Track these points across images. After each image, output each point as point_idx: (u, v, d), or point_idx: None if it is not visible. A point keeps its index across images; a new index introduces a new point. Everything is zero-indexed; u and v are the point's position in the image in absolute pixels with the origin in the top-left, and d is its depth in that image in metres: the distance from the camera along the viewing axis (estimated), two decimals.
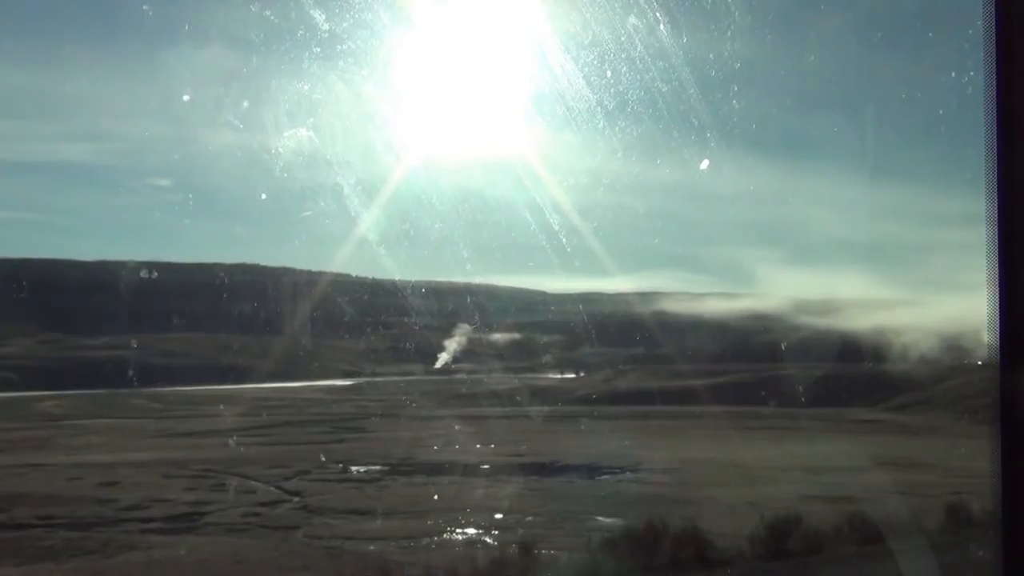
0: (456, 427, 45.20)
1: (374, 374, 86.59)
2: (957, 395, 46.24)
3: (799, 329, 58.13)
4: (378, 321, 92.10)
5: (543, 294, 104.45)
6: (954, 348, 47.05)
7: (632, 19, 16.92)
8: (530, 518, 24.52)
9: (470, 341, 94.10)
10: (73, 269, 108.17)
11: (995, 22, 1.93)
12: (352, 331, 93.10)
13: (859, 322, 55.81)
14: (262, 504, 27.02)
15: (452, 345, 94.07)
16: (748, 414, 47.65)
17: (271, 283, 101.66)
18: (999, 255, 1.94)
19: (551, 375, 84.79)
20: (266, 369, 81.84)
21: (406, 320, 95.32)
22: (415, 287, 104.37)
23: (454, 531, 23.26)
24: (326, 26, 25.72)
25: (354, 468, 33.65)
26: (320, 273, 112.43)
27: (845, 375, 50.20)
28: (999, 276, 1.95)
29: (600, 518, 24.32)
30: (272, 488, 29.41)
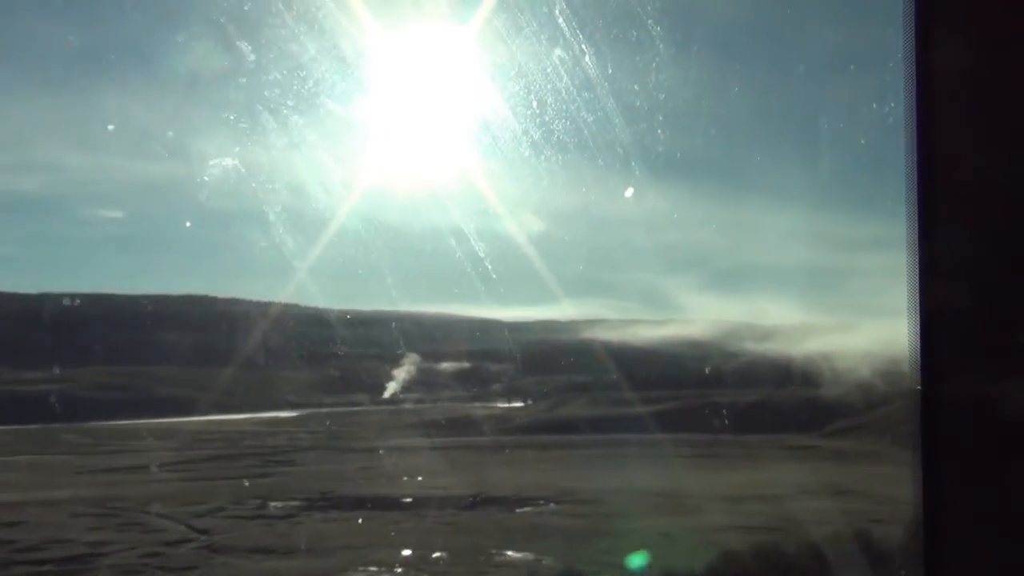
0: (389, 459, 44.49)
1: (320, 405, 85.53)
2: (892, 420, 45.91)
3: (735, 355, 57.86)
4: (327, 351, 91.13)
5: (486, 322, 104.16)
6: (891, 373, 46.88)
7: (558, 51, 16.89)
8: (437, 554, 23.90)
9: (419, 370, 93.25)
10: (13, 302, 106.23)
11: (915, 55, 1.95)
12: (300, 362, 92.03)
13: (792, 348, 55.57)
14: (166, 543, 26.23)
15: (401, 374, 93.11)
16: (684, 442, 47.17)
17: (219, 314, 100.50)
18: (919, 283, 1.96)
19: (499, 404, 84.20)
20: (208, 401, 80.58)
21: (355, 350, 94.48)
22: (365, 317, 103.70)
23: (354, 570, 22.59)
24: (252, 56, 25.73)
25: (272, 504, 32.82)
26: (268, 304, 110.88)
27: (781, 401, 49.88)
28: (919, 304, 1.97)
29: (509, 553, 23.76)
30: (181, 526, 28.58)
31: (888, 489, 30.58)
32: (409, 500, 32.61)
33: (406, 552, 23.97)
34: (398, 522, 28.43)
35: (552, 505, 31.79)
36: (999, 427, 1.92)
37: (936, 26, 1.93)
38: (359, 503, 31.83)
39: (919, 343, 1.98)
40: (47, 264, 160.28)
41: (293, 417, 76.29)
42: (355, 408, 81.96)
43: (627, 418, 56.18)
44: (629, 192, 43.76)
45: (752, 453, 42.09)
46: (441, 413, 70.42)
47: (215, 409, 78.54)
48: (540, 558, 19.52)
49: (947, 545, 1.99)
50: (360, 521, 28.70)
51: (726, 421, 50.43)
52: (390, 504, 31.48)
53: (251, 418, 71.31)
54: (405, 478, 37.83)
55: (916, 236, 1.96)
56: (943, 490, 1.98)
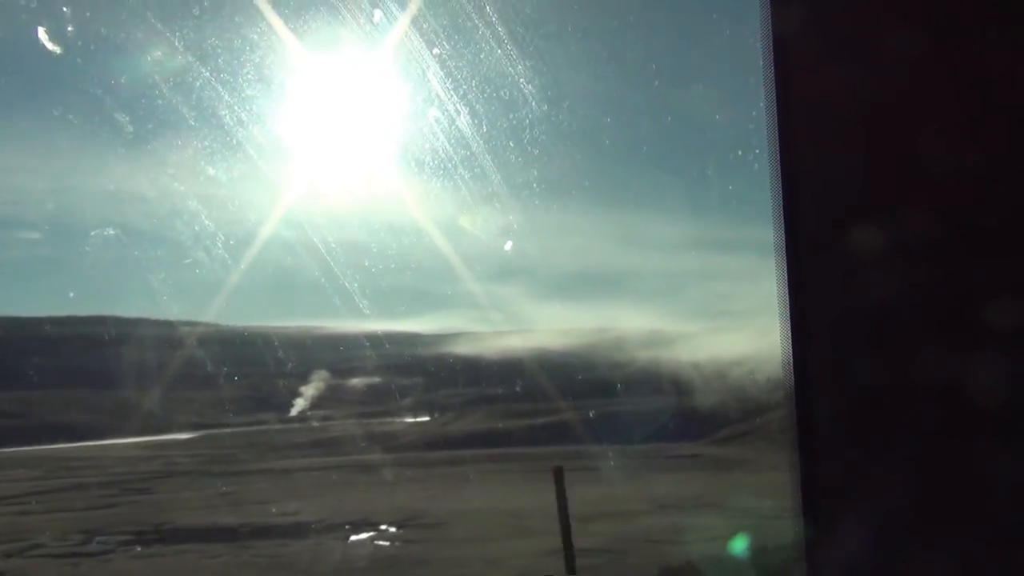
0: (256, 483, 42.52)
1: (223, 425, 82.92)
2: (779, 426, 44.79)
3: (623, 364, 56.64)
4: (236, 370, 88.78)
5: (392, 335, 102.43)
6: (778, 378, 45.77)
7: (433, 111, 16.91)
8: None
9: (329, 387, 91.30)
10: None
11: (775, 103, 1.97)
12: (208, 381, 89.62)
13: (676, 355, 54.52)
14: None
15: (309, 391, 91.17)
16: (569, 454, 45.52)
17: (125, 335, 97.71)
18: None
19: (406, 419, 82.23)
20: (103, 426, 77.85)
21: (265, 368, 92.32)
22: (276, 334, 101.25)
23: None
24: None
25: (97, 538, 30.58)
26: (177, 323, 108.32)
27: (672, 410, 48.59)
28: (788, 306, 2.00)
29: None
30: None
31: (754, 499, 29.20)
32: (245, 530, 30.59)
33: None
34: (216, 556, 26.44)
35: (393, 530, 29.92)
36: (872, 427, 1.94)
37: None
38: (188, 535, 29.79)
39: (791, 345, 2.01)
40: None
41: (187, 439, 73.56)
42: (259, 427, 79.77)
43: (519, 431, 54.77)
44: (508, 246, 44.58)
45: (632, 464, 40.66)
46: (341, 430, 68.41)
47: (109, 434, 75.85)
48: None
49: (825, 549, 1.98)
50: (175, 556, 26.70)
51: (620, 431, 49.02)
52: (220, 535, 29.43)
53: (140, 442, 68.60)
54: (257, 504, 35.84)
55: (783, 239, 1.97)
56: (818, 494, 1.98)
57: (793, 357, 2.00)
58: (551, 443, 48.34)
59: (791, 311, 1.99)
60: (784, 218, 1.97)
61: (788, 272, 1.98)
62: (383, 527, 30.53)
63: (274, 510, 34.33)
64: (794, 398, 2.02)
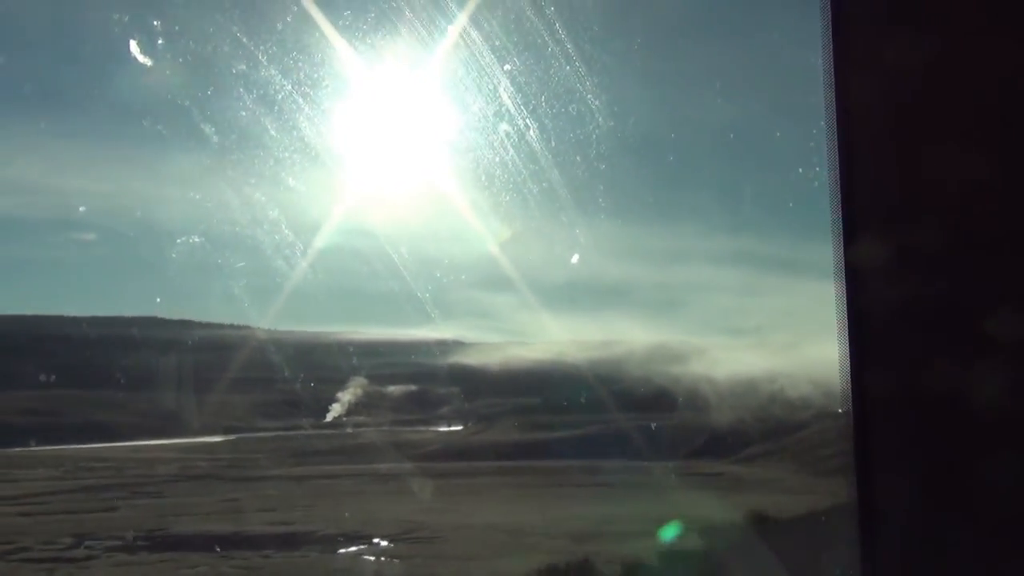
0: (266, 489, 41.84)
1: (256, 429, 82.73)
2: (808, 445, 43.11)
3: (649, 378, 55.07)
4: (274, 375, 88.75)
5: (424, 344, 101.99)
6: (812, 396, 44.11)
7: (504, 126, 17.55)
8: None
9: (366, 394, 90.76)
10: None
11: (835, 123, 1.98)
12: (246, 385, 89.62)
13: (697, 370, 52.93)
14: None
15: (346, 397, 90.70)
16: (586, 468, 44.41)
17: (167, 337, 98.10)
18: (849, 339, 2.00)
19: (440, 428, 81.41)
20: (138, 426, 77.94)
21: (303, 373, 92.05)
22: (316, 339, 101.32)
23: None
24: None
25: (87, 543, 29.94)
26: (220, 326, 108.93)
27: (698, 426, 47.03)
28: (851, 389, 2.01)
29: None
30: None
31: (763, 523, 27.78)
32: (235, 539, 29.77)
33: None
34: (194, 565, 25.69)
35: (384, 544, 28.92)
36: (938, 432, 1.94)
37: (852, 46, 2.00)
38: (176, 543, 29.10)
39: (848, 354, 1.98)
40: (4, 285, 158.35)
41: (217, 443, 73.28)
42: (291, 433, 79.33)
43: (542, 444, 53.64)
44: (575, 259, 45.66)
45: (648, 480, 39.25)
46: (370, 437, 67.76)
47: (141, 435, 75.88)
48: None
49: (885, 562, 1.98)
50: (154, 565, 25.95)
51: (644, 446, 47.68)
52: (207, 544, 28.65)
53: (168, 444, 68.38)
54: (258, 512, 35.01)
55: (841, 253, 1.98)
56: (879, 502, 1.98)
57: (852, 379, 1.98)
58: (572, 457, 47.22)
59: (850, 332, 1.98)
60: (843, 236, 1.98)
61: (848, 293, 1.98)
62: (376, 540, 29.57)
63: (272, 519, 33.51)
64: (852, 421, 2.00)
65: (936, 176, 1.94)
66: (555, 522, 30.57)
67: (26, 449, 61.59)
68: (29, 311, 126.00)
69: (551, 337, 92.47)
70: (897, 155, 1.98)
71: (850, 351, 2.00)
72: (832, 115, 2.00)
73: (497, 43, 16.27)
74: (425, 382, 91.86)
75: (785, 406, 44.36)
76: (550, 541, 27.41)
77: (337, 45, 19.46)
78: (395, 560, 26.17)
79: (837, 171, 2.00)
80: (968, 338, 1.92)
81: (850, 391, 2.02)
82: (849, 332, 1.99)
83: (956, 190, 1.94)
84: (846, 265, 1.99)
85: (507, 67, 16.43)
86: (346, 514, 33.88)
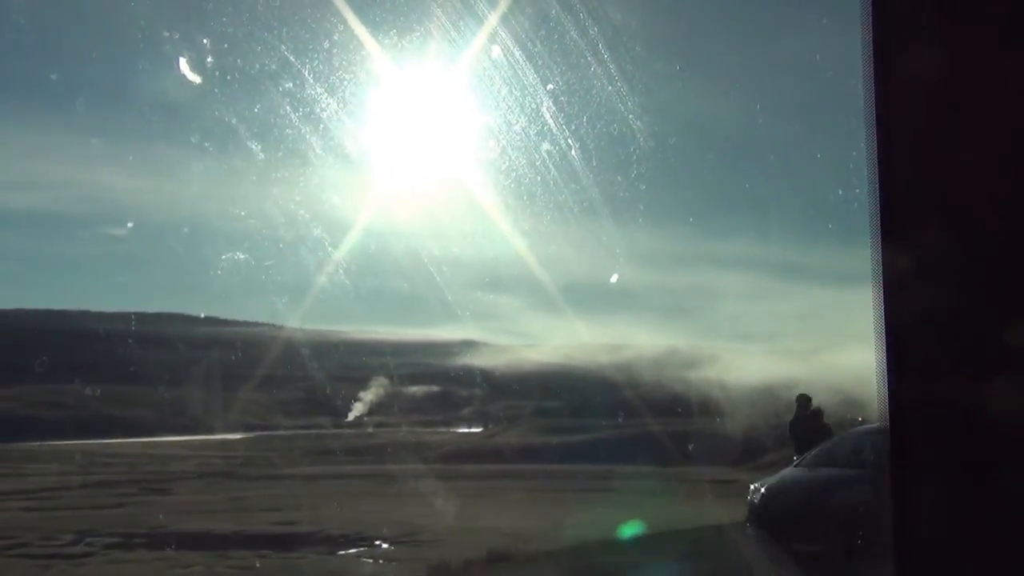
0: (275, 489, 41.65)
1: (276, 427, 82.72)
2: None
3: (663, 383, 54.54)
4: (298, 373, 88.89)
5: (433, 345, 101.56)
6: (830, 404, 43.37)
7: (546, 145, 17.72)
8: None
9: (387, 394, 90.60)
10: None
11: (875, 148, 1.98)
12: (269, 382, 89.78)
13: (721, 375, 52.30)
14: None
15: (368, 397, 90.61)
16: (600, 473, 43.87)
17: (193, 334, 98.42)
18: (886, 344, 1.97)
19: (460, 429, 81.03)
20: (159, 422, 78.08)
21: (327, 372, 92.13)
22: (341, 338, 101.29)
23: None
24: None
25: (89, 540, 29.67)
26: (246, 323, 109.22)
27: (714, 432, 46.42)
28: (887, 389, 1.97)
29: None
30: None
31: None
32: (235, 538, 29.44)
33: None
34: (189, 565, 25.25)
35: (384, 546, 28.47)
36: (974, 441, 1.91)
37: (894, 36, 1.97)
38: (176, 541, 28.68)
39: (886, 362, 1.97)
40: (28, 281, 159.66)
41: (236, 440, 73.30)
42: (311, 431, 79.30)
43: (562, 447, 53.17)
44: (614, 278, 46.29)
45: (656, 487, 38.64)
46: (388, 438, 67.46)
47: (163, 431, 76.03)
48: None
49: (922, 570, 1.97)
50: (149, 563, 25.66)
51: (659, 452, 47.15)
52: (206, 543, 28.27)
53: (185, 440, 68.54)
54: (263, 511, 34.78)
55: (879, 256, 1.97)
56: (917, 514, 1.94)
57: (888, 388, 1.95)
58: (586, 461, 46.73)
59: (887, 340, 1.96)
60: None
61: (885, 300, 1.96)
62: (377, 543, 29.15)
63: (275, 518, 33.20)
64: (888, 431, 1.96)
65: (978, 180, 1.92)
66: (559, 528, 30.07)
67: (42, 443, 61.87)
68: (56, 306, 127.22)
69: (562, 340, 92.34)
70: (938, 158, 1.96)
71: (886, 359, 1.97)
72: (871, 116, 1.99)
73: (540, 63, 16.60)
74: (448, 383, 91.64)
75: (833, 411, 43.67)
76: (548, 545, 26.93)
77: (384, 65, 19.68)
78: (391, 562, 25.75)
79: (875, 173, 1.98)
80: (1006, 347, 1.89)
81: (886, 401, 1.98)
82: (886, 340, 1.97)
83: (996, 198, 1.92)
84: (883, 271, 1.97)
85: (550, 87, 16.88)
86: (350, 515, 33.58)
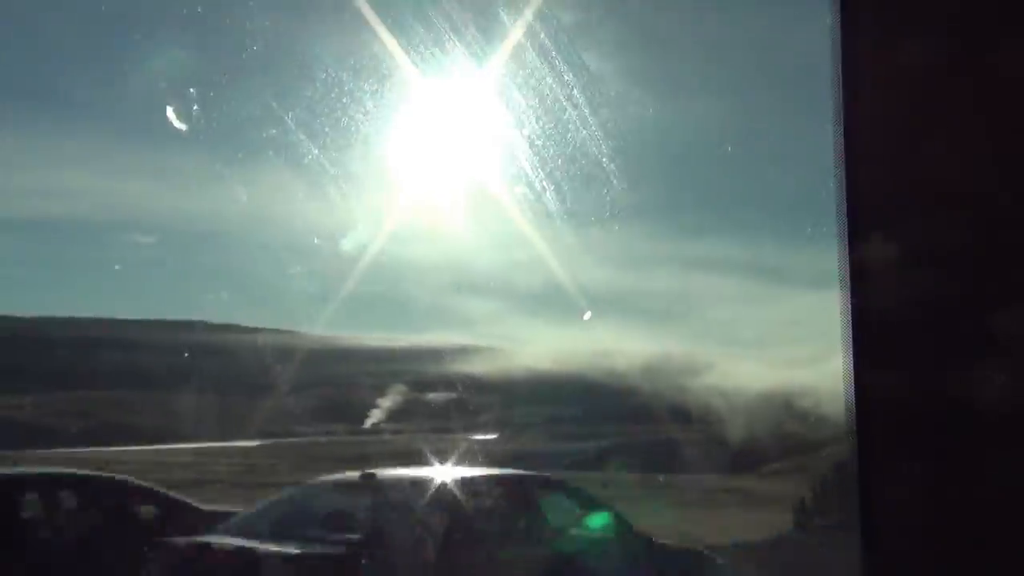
0: (272, 496, 41.23)
1: (292, 434, 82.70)
2: (838, 461, 41.53)
3: (660, 390, 53.77)
4: (315, 379, 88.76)
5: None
6: (830, 412, 42.65)
7: (521, 188, 18.98)
8: None
9: (405, 400, 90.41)
10: (7, 326, 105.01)
11: (842, 146, 1.99)
12: (286, 389, 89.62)
13: (719, 382, 51.56)
14: None
15: (385, 403, 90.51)
16: (602, 481, 43.24)
17: (210, 341, 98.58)
18: (852, 343, 1.99)
19: (474, 436, 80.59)
20: (173, 429, 78.17)
21: (344, 378, 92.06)
22: (358, 345, 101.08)
23: None
24: None
25: None
26: (262, 330, 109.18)
27: (715, 439, 45.69)
28: (852, 369, 1.99)
29: None
30: None
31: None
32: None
33: None
34: None
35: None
36: (941, 434, 1.92)
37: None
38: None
39: (851, 358, 1.98)
40: (54, 288, 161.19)
41: (248, 447, 73.28)
42: (324, 439, 79.26)
43: (565, 454, 52.70)
44: (587, 315, 47.32)
45: (657, 494, 37.99)
46: (400, 444, 67.13)
47: (177, 438, 76.08)
48: None
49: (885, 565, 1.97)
50: None
51: (663, 459, 46.58)
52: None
53: (195, 448, 68.50)
54: None
55: (846, 254, 1.98)
56: (881, 509, 1.95)
57: (854, 383, 1.97)
58: (589, 469, 46.14)
59: (853, 336, 1.96)
60: (848, 237, 1.97)
61: (852, 296, 1.96)
62: None
63: None
64: (855, 427, 1.96)
65: (943, 177, 1.94)
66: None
67: (51, 451, 61.89)
68: (79, 313, 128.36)
69: (549, 345, 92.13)
70: (904, 155, 1.97)
71: (853, 355, 1.96)
72: (840, 115, 1.98)
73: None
74: (465, 390, 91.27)
75: (802, 421, 42.91)
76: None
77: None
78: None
79: (843, 170, 1.98)
80: (977, 340, 1.90)
81: (853, 397, 1.97)
82: (853, 336, 1.96)
83: (963, 190, 1.94)
84: (850, 266, 1.96)
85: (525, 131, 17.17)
86: None
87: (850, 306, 2.00)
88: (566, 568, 8.39)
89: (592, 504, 9.55)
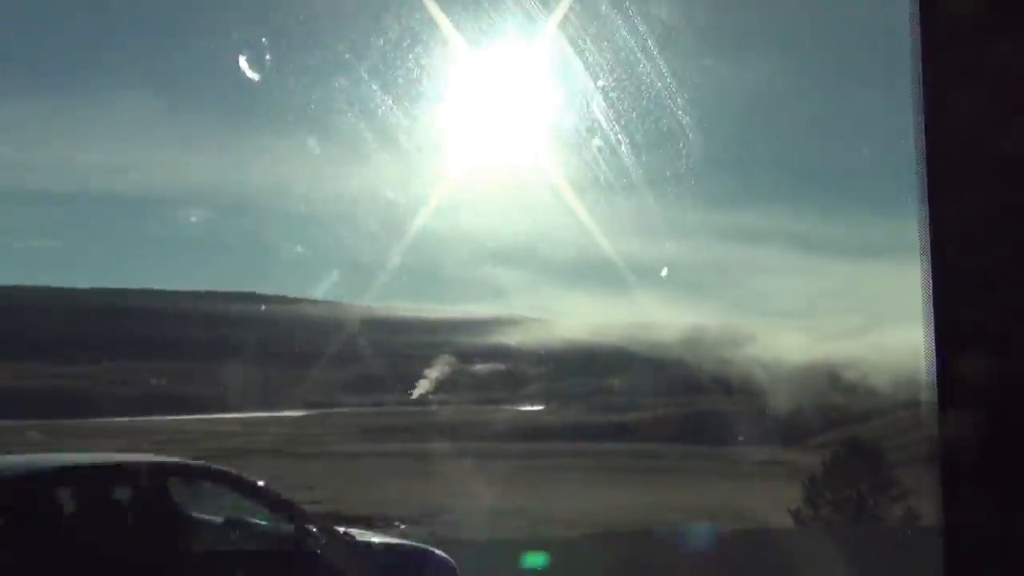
0: (313, 467, 41.53)
1: (339, 405, 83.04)
2: (882, 434, 40.89)
3: (704, 362, 53.09)
4: (363, 350, 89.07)
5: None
6: (893, 383, 41.83)
7: (597, 141, 18.25)
8: None
9: (453, 371, 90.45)
10: (52, 298, 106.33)
11: (923, 117, 1.91)
12: (336, 360, 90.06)
13: (762, 353, 50.67)
14: None
15: (433, 374, 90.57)
16: (650, 452, 43.00)
17: (261, 312, 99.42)
18: (934, 316, 1.91)
19: (522, 407, 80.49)
20: (223, 399, 78.88)
21: (392, 349, 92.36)
22: (406, 316, 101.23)
23: None
24: None
25: None
26: (312, 302, 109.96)
27: (762, 411, 45.07)
28: (931, 310, 1.91)
29: None
30: None
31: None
32: None
33: None
34: None
35: (403, 527, 28.12)
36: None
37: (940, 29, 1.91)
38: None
39: (934, 349, 1.89)
40: (112, 261, 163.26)
41: (297, 417, 73.76)
42: (371, 409, 79.49)
43: (612, 425, 52.32)
44: (664, 272, 45.97)
45: (702, 466, 37.69)
46: (445, 415, 67.33)
47: (227, 407, 76.78)
48: None
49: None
50: None
51: (714, 431, 46.18)
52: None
53: (247, 417, 69.02)
54: (289, 489, 34.44)
55: (928, 241, 1.90)
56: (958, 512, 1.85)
57: (936, 364, 1.86)
58: (632, 440, 45.86)
59: (935, 314, 1.87)
60: (929, 211, 1.89)
61: (933, 272, 1.88)
62: (396, 523, 28.79)
63: (303, 497, 32.90)
64: (937, 409, 1.84)
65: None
66: (589, 510, 29.40)
67: (107, 419, 62.77)
68: (131, 284, 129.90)
69: (586, 318, 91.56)
70: (988, 125, 1.87)
71: (935, 334, 1.86)
72: (919, 84, 1.90)
73: (591, 59, 16.66)
74: (512, 360, 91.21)
75: (850, 393, 42.16)
76: (565, 533, 26.20)
77: (446, 66, 19.80)
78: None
79: (923, 143, 1.90)
80: None
81: (935, 379, 1.86)
82: (934, 314, 1.86)
83: None
84: (932, 242, 1.87)
85: (600, 83, 17.12)
86: (375, 495, 33.36)
87: (931, 284, 1.90)
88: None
89: (254, 496, 7.20)
